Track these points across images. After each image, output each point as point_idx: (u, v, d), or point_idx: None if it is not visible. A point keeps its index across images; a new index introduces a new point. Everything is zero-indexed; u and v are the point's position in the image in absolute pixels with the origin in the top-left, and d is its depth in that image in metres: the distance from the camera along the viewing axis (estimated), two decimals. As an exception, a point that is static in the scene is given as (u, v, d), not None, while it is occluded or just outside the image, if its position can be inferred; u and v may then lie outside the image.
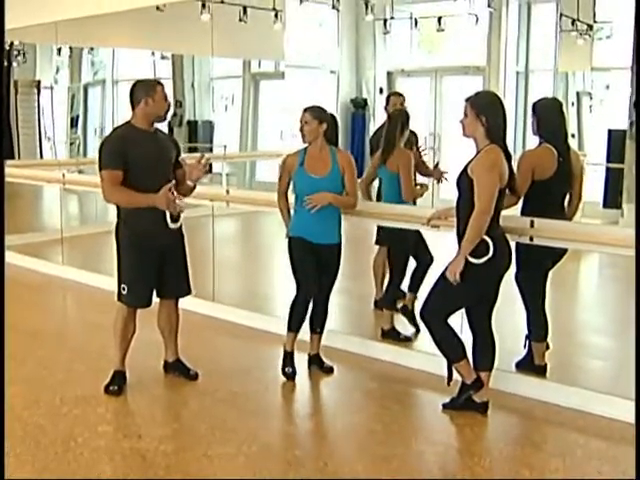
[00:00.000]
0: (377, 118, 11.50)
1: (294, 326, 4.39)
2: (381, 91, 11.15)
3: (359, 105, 11.67)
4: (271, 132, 10.58)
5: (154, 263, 4.12)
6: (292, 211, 4.44)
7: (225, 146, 10.14)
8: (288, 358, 4.43)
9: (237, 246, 8.83)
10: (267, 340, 5.08)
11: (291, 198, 4.45)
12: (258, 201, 5.40)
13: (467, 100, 3.70)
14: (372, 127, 11.69)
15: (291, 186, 4.41)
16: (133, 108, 4.02)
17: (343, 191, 4.31)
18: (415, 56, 10.79)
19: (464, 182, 3.66)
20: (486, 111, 3.62)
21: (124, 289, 4.11)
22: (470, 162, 3.68)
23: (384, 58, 11.03)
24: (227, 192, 5.52)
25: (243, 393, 4.21)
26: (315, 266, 4.29)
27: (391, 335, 5.07)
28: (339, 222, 4.36)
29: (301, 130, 4.25)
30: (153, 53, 10.81)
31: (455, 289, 3.67)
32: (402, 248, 5.00)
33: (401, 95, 5.69)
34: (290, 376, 4.38)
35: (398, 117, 4.98)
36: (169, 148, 4.16)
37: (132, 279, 4.10)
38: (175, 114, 10.58)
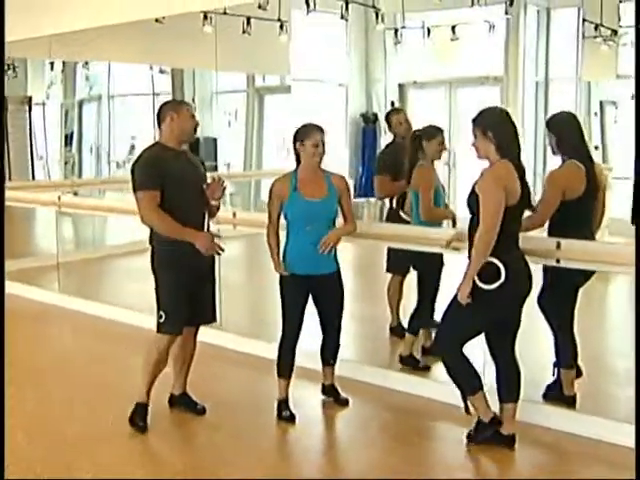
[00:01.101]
0: (389, 133, 11.58)
1: (284, 373, 4.38)
2: (392, 104, 11.21)
3: (369, 119, 11.73)
4: (277, 149, 10.66)
5: (191, 287, 4.14)
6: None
7: (228, 164, 10.23)
8: (283, 404, 4.40)
9: (243, 270, 8.86)
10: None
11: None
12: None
13: (473, 121, 3.72)
14: (383, 142, 11.75)
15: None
16: (160, 127, 4.14)
17: (336, 214, 4.33)
18: (428, 67, 10.86)
19: (473, 201, 3.66)
20: (492, 127, 3.62)
21: (161, 316, 4.12)
22: (478, 180, 3.70)
23: (395, 69, 11.11)
24: (234, 215, 5.57)
25: (254, 428, 4.23)
26: (304, 310, 4.29)
27: (409, 362, 5.09)
28: (335, 249, 4.36)
29: (317, 151, 4.19)
30: (151, 67, 10.92)
31: (466, 316, 3.67)
32: (433, 272, 5.01)
33: (401, 110, 5.75)
34: (289, 419, 4.34)
35: (414, 140, 5.03)
36: (199, 168, 4.27)
37: (170, 306, 4.11)
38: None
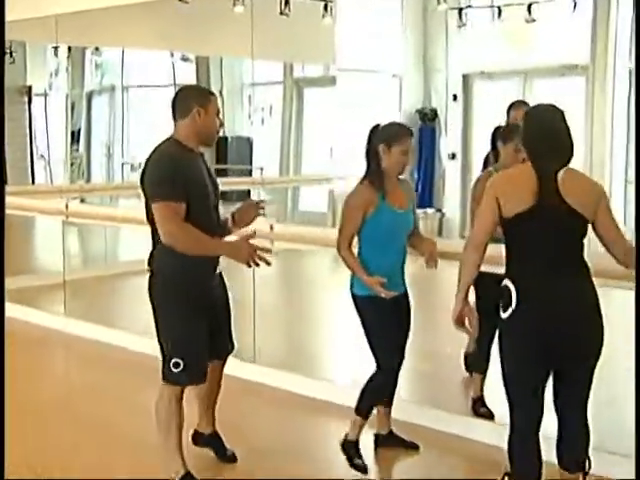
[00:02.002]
0: (450, 133, 11.56)
1: (367, 412, 4.37)
2: (455, 98, 11.21)
3: (427, 117, 11.73)
4: (318, 151, 10.68)
5: (206, 322, 4.03)
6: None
7: (262, 168, 10.25)
8: (353, 448, 4.39)
9: (279, 292, 8.89)
10: (319, 410, 5.11)
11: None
12: (309, 239, 5.45)
13: None
14: (443, 144, 11.74)
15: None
16: (176, 119, 3.98)
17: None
18: (499, 54, 10.80)
19: None
20: (522, 132, 3.55)
21: (178, 365, 3.93)
22: None
23: (459, 57, 11.08)
24: (271, 228, 5.60)
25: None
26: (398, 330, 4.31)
27: (477, 407, 5.06)
28: None
29: (405, 159, 4.21)
30: (172, 54, 11.03)
31: (504, 363, 3.52)
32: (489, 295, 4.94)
33: (524, 104, 5.63)
34: (363, 469, 4.34)
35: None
36: (214, 177, 4.16)
37: (189, 349, 3.97)
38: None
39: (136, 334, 6.56)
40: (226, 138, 10.79)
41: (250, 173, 10.53)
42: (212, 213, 3.98)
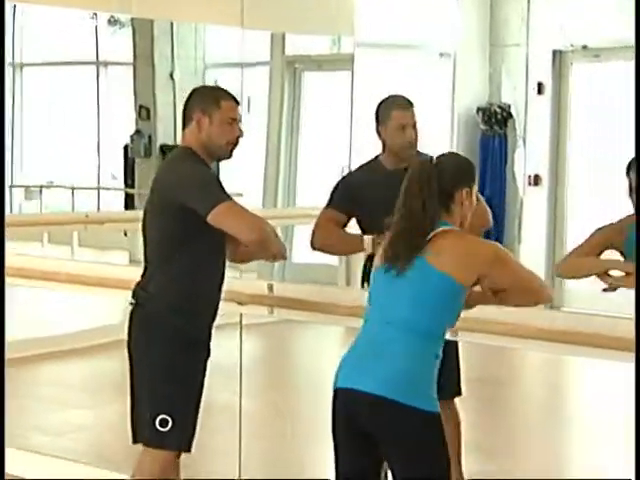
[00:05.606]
0: (532, 144, 11.59)
1: None
2: (540, 89, 11.27)
3: (496, 119, 11.79)
4: (324, 170, 10.68)
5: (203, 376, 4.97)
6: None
7: (240, 196, 10.26)
8: None
9: (274, 388, 9.05)
10: None
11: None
12: (318, 304, 5.45)
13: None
14: (519, 161, 11.76)
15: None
16: (185, 128, 4.79)
17: None
18: (614, 18, 10.80)
19: None
20: None
21: (165, 423, 4.66)
22: None
23: (548, 23, 11.24)
24: (270, 288, 5.66)
25: None
26: None
27: None
28: None
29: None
30: (95, 15, 11.10)
31: None
32: None
33: (404, 104, 5.57)
34: None
35: None
36: None
37: (182, 405, 4.72)
38: (138, 132, 10.76)
39: (31, 452, 6.64)
40: (174, 148, 10.79)
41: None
42: None
